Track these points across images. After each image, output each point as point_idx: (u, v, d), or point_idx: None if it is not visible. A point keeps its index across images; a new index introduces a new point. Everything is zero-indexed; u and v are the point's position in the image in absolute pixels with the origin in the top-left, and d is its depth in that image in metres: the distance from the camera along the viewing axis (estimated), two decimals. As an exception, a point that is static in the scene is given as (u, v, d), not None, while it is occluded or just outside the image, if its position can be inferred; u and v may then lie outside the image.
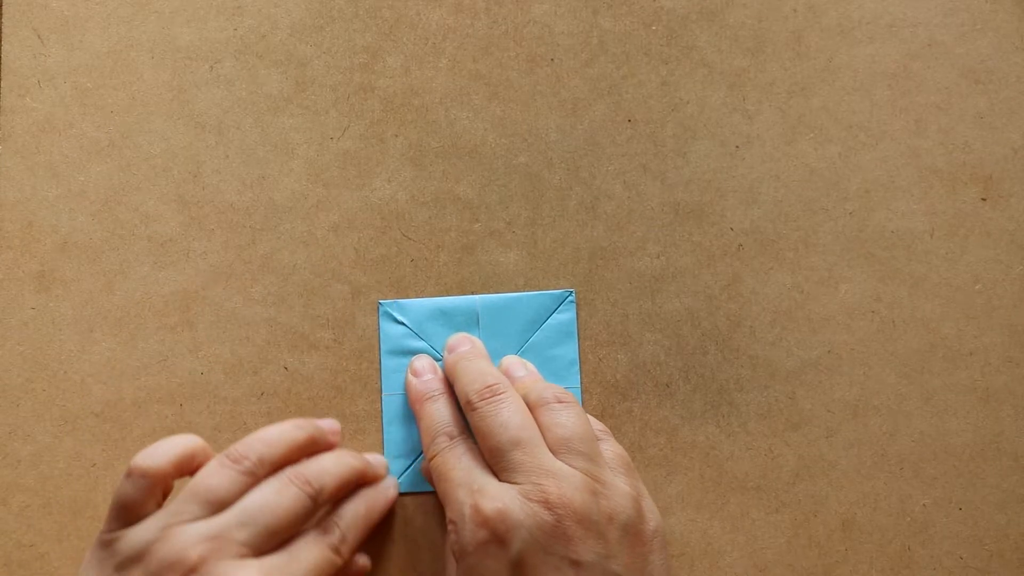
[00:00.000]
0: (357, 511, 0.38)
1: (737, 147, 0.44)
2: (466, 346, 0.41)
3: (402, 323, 0.42)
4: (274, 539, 0.35)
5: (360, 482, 0.39)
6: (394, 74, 0.44)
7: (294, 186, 0.43)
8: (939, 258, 0.43)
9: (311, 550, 0.36)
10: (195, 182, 0.43)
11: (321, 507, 0.37)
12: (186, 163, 0.43)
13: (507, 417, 0.36)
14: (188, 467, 0.36)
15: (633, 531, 0.35)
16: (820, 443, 0.42)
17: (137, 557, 0.34)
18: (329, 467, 0.37)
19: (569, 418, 0.37)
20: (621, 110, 0.44)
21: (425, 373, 0.41)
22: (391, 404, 0.41)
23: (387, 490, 0.40)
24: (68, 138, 0.43)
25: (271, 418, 0.42)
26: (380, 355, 0.42)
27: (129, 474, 0.35)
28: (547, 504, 0.34)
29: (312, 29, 0.44)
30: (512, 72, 0.44)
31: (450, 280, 0.43)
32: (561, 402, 0.37)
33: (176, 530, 0.34)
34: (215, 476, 0.35)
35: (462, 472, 0.36)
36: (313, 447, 0.38)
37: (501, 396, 0.37)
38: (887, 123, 0.44)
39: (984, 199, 0.43)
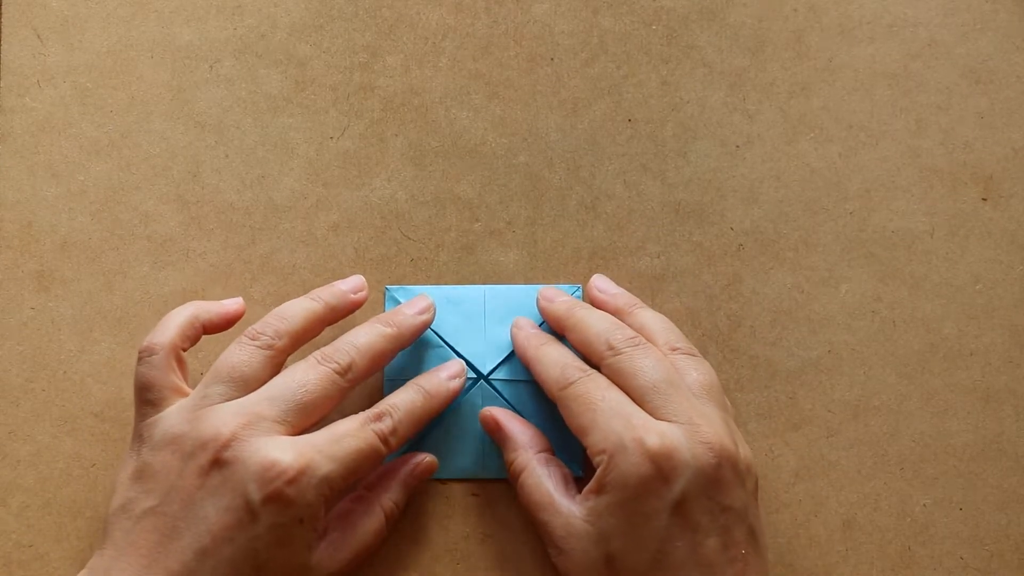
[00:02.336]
0: (414, 402, 0.37)
1: (737, 147, 0.44)
2: (564, 297, 0.40)
3: None
4: (308, 417, 0.35)
5: (403, 345, 0.38)
6: (394, 74, 0.44)
7: (294, 186, 0.43)
8: (939, 258, 0.43)
9: (356, 434, 0.35)
10: (195, 182, 0.43)
11: (355, 382, 0.36)
12: (186, 163, 0.43)
13: (655, 360, 0.36)
14: (193, 332, 0.37)
15: (756, 485, 0.36)
16: (820, 443, 0.42)
17: (172, 441, 0.34)
18: (360, 340, 0.37)
19: (704, 366, 0.37)
20: (621, 110, 0.44)
21: (530, 327, 0.40)
22: (393, 389, 0.41)
23: (450, 380, 0.39)
24: (68, 138, 0.43)
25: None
26: None
27: (139, 358, 0.36)
28: (709, 446, 0.34)
29: (312, 29, 0.44)
30: (512, 72, 0.44)
31: (450, 280, 0.43)
32: (692, 355, 0.38)
33: (206, 411, 0.34)
34: (235, 354, 0.36)
35: (614, 402, 0.35)
36: (334, 315, 0.38)
37: (644, 343, 0.37)
38: (887, 123, 0.44)
39: (985, 199, 0.43)
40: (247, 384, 0.35)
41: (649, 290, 0.43)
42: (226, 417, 0.34)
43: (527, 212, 0.43)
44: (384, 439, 0.36)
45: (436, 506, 0.41)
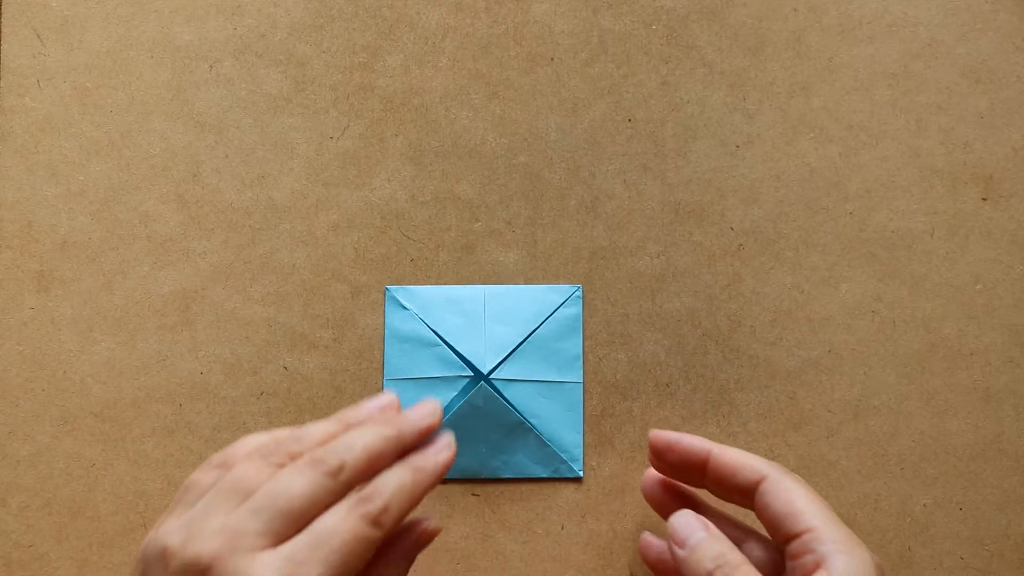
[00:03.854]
0: (402, 479, 0.34)
1: (737, 147, 0.44)
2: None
3: (408, 309, 0.42)
4: (295, 524, 0.33)
5: (401, 450, 0.35)
6: (394, 74, 0.44)
7: (294, 185, 0.43)
8: (939, 258, 0.43)
9: (341, 528, 0.33)
10: (195, 182, 0.43)
11: (348, 486, 0.34)
12: (186, 163, 0.43)
13: None
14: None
15: None
16: (820, 443, 0.42)
17: (162, 554, 0.32)
18: (354, 441, 0.34)
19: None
20: (621, 110, 0.44)
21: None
22: (392, 389, 0.41)
23: (438, 453, 0.35)
24: (68, 138, 0.43)
25: (270, 418, 0.42)
26: (384, 340, 0.42)
27: (202, 467, 0.35)
28: None
29: (312, 28, 0.44)
30: (512, 72, 0.44)
31: (450, 280, 0.43)
32: None
33: (196, 524, 0.33)
34: (249, 467, 0.34)
35: None
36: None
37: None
38: (887, 123, 0.44)
39: (984, 199, 0.43)
40: (247, 496, 0.34)
41: (649, 290, 0.43)
42: (209, 536, 0.32)
43: (527, 212, 0.43)
44: (375, 521, 0.33)
45: (436, 506, 0.41)
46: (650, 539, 0.39)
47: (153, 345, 0.42)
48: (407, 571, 0.36)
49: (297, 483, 0.33)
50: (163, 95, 0.44)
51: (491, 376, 0.41)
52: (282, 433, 0.36)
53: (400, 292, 0.42)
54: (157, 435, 0.42)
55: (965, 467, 0.42)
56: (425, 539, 0.36)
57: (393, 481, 0.34)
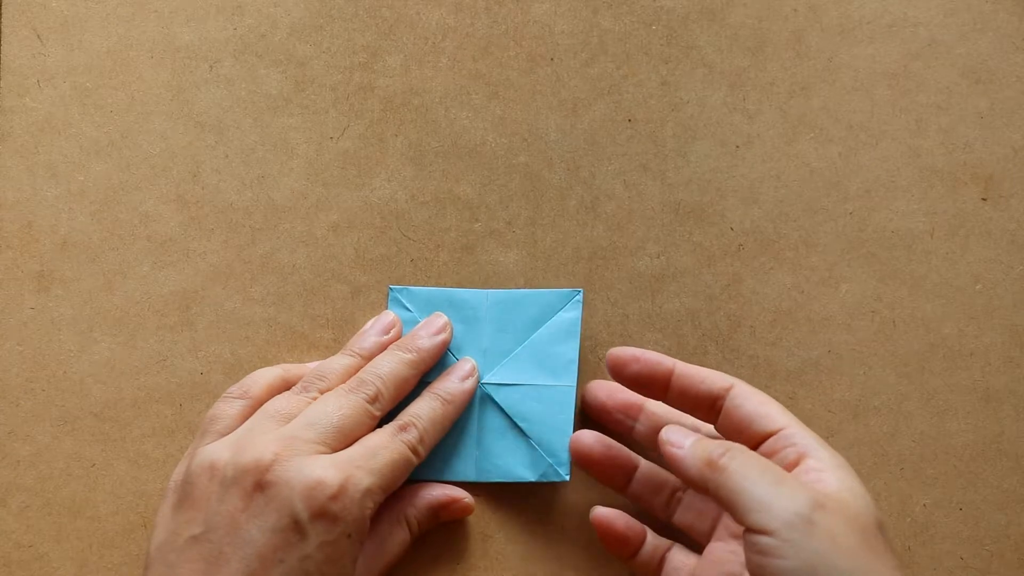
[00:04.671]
0: (434, 409, 0.39)
1: (737, 147, 0.44)
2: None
3: (410, 311, 0.42)
4: (345, 440, 0.36)
5: (425, 368, 0.40)
6: (394, 74, 0.44)
7: (294, 186, 0.43)
8: (939, 258, 0.43)
9: (389, 446, 0.36)
10: (195, 182, 0.43)
11: (384, 412, 0.38)
12: (186, 163, 0.43)
13: None
14: (278, 391, 0.39)
15: None
16: (820, 443, 0.42)
17: (211, 467, 0.35)
18: (383, 370, 0.38)
19: None
20: (621, 110, 0.44)
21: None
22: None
23: (463, 382, 0.40)
24: (68, 138, 0.43)
25: (271, 418, 0.42)
26: None
27: (224, 397, 0.38)
28: None
29: (312, 29, 0.44)
30: (512, 72, 0.44)
31: (450, 280, 0.43)
32: None
33: (247, 439, 0.35)
34: (283, 399, 0.38)
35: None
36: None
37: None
38: (887, 123, 0.44)
39: (985, 199, 0.43)
40: (289, 420, 0.37)
41: (649, 290, 0.43)
42: (267, 443, 0.35)
43: (527, 212, 0.43)
44: (413, 449, 0.37)
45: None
46: (603, 512, 0.39)
47: (153, 345, 0.42)
48: (428, 526, 0.40)
49: (344, 405, 0.37)
50: (163, 95, 0.44)
51: (485, 381, 0.41)
52: (293, 368, 0.41)
53: (403, 293, 0.42)
54: (157, 435, 0.42)
55: (965, 467, 0.42)
56: (458, 509, 0.40)
57: (426, 412, 0.38)
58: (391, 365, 0.39)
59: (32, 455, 0.41)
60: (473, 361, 0.41)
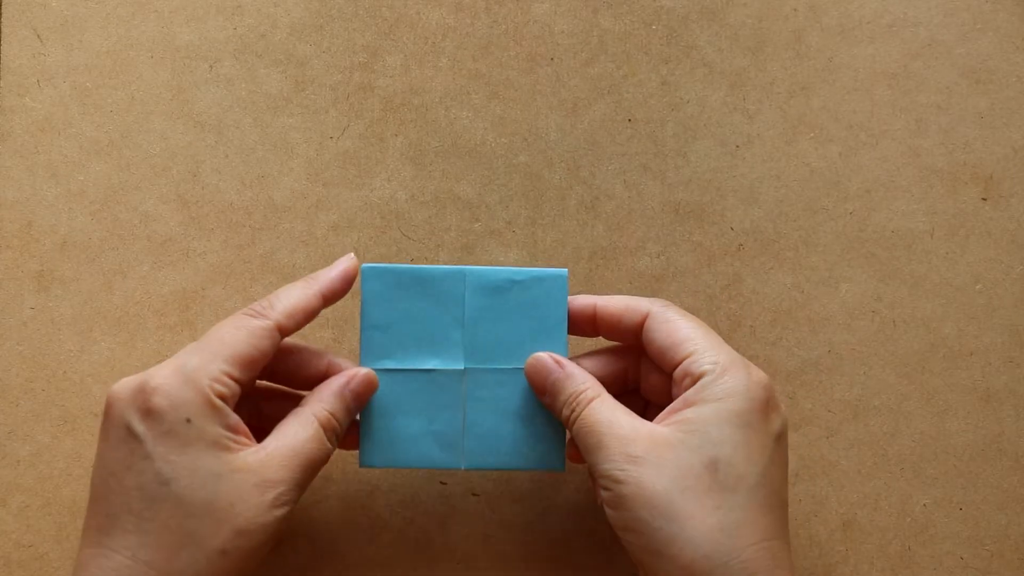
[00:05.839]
0: (292, 286, 0.37)
1: (737, 147, 0.44)
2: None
3: (386, 291, 0.40)
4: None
5: (324, 290, 0.38)
6: (394, 74, 0.44)
7: (294, 185, 0.43)
8: (939, 258, 0.43)
9: (227, 323, 0.36)
10: (194, 182, 0.43)
11: (270, 316, 0.36)
12: (185, 163, 0.43)
13: None
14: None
15: None
16: (820, 443, 0.42)
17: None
18: (278, 291, 0.37)
19: None
20: (621, 110, 0.44)
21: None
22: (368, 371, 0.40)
23: (332, 269, 0.38)
24: (68, 138, 0.43)
25: (271, 418, 0.42)
26: (361, 326, 0.40)
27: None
28: (781, 406, 0.36)
29: (312, 28, 0.44)
30: (512, 72, 0.44)
31: (450, 280, 0.43)
32: None
33: None
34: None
35: (716, 334, 0.37)
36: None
37: None
38: (887, 123, 0.44)
39: (984, 199, 0.43)
40: None
41: (649, 290, 0.43)
42: (116, 384, 0.35)
43: (527, 212, 0.43)
44: (258, 313, 0.36)
45: (436, 506, 0.41)
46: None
47: (153, 345, 0.42)
48: (344, 416, 0.37)
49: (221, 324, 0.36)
50: (163, 95, 0.44)
51: (470, 365, 0.40)
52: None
53: (375, 271, 0.39)
54: (157, 435, 0.42)
55: (965, 467, 0.42)
56: (357, 383, 0.37)
57: (286, 287, 0.37)
58: (287, 287, 0.38)
59: (32, 455, 0.41)
60: (352, 254, 0.39)
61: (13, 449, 0.41)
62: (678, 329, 0.36)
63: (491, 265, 0.43)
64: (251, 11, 0.44)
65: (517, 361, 0.40)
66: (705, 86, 0.44)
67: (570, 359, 0.39)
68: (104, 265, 0.43)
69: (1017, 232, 0.43)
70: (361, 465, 0.40)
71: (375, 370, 0.39)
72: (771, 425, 0.34)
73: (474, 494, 0.41)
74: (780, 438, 0.34)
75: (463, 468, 0.40)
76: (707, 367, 0.35)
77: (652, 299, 0.38)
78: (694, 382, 0.35)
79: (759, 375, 0.35)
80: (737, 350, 0.42)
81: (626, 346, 0.39)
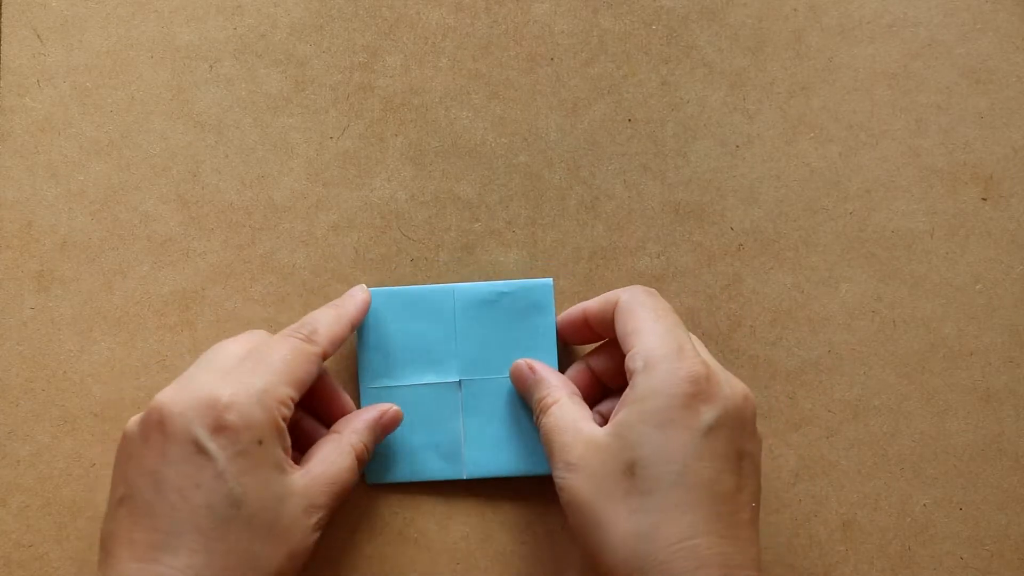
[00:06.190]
0: (324, 311, 0.39)
1: (737, 147, 0.44)
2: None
3: (381, 313, 0.41)
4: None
5: (348, 315, 0.39)
6: (394, 74, 0.44)
7: (294, 186, 0.43)
8: (939, 258, 0.43)
9: (279, 344, 0.36)
10: (194, 182, 0.43)
11: (312, 338, 0.37)
12: (185, 163, 0.43)
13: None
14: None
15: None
16: (820, 443, 0.42)
17: (125, 433, 0.35)
18: (309, 315, 0.39)
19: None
20: (621, 110, 0.44)
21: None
22: (371, 399, 0.41)
23: (353, 296, 0.40)
24: (67, 138, 0.43)
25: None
26: (358, 346, 0.41)
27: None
28: (743, 389, 0.35)
29: (311, 28, 0.44)
30: (512, 72, 0.44)
31: (450, 280, 0.43)
32: None
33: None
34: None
35: (670, 321, 0.37)
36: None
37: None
38: (887, 123, 0.44)
39: (984, 199, 0.43)
40: None
41: (649, 290, 0.43)
42: (163, 393, 0.34)
43: (527, 212, 0.43)
44: (307, 338, 0.36)
45: (436, 506, 0.41)
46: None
47: (153, 345, 0.42)
48: (372, 445, 0.38)
49: (247, 338, 0.37)
50: (163, 95, 0.44)
51: (465, 377, 0.41)
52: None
53: (372, 295, 0.41)
54: (157, 435, 0.42)
55: (965, 467, 0.42)
56: (388, 419, 0.39)
57: (317, 312, 0.38)
58: (321, 314, 0.39)
59: (32, 455, 0.41)
60: (364, 285, 0.41)
61: (13, 449, 0.41)
62: (631, 319, 0.36)
63: (491, 266, 0.43)
64: (251, 11, 0.44)
65: (506, 370, 0.41)
66: (705, 86, 0.44)
67: (584, 355, 0.40)
68: (104, 265, 0.43)
69: (1017, 232, 0.43)
70: (367, 483, 0.41)
71: (375, 388, 0.41)
72: (697, 419, 0.33)
73: (474, 494, 0.41)
74: (711, 431, 0.33)
75: (464, 478, 0.41)
76: (638, 364, 0.34)
77: (629, 287, 0.38)
78: (631, 379, 0.34)
79: (690, 367, 0.33)
80: (737, 350, 0.42)
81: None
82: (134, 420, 0.35)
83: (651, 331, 0.35)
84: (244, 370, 0.34)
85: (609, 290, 0.42)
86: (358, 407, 0.40)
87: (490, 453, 0.41)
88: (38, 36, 0.44)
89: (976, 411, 0.42)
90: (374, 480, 0.41)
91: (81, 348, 0.42)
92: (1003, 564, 0.41)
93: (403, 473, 0.41)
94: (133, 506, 0.33)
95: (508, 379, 0.41)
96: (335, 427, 0.38)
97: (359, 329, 0.41)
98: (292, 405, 0.34)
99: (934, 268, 0.43)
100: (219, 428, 0.32)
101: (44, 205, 0.43)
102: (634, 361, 0.34)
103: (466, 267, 0.43)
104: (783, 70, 0.44)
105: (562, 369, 0.41)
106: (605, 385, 0.40)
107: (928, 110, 0.44)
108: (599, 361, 0.40)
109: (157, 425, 0.33)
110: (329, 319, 0.38)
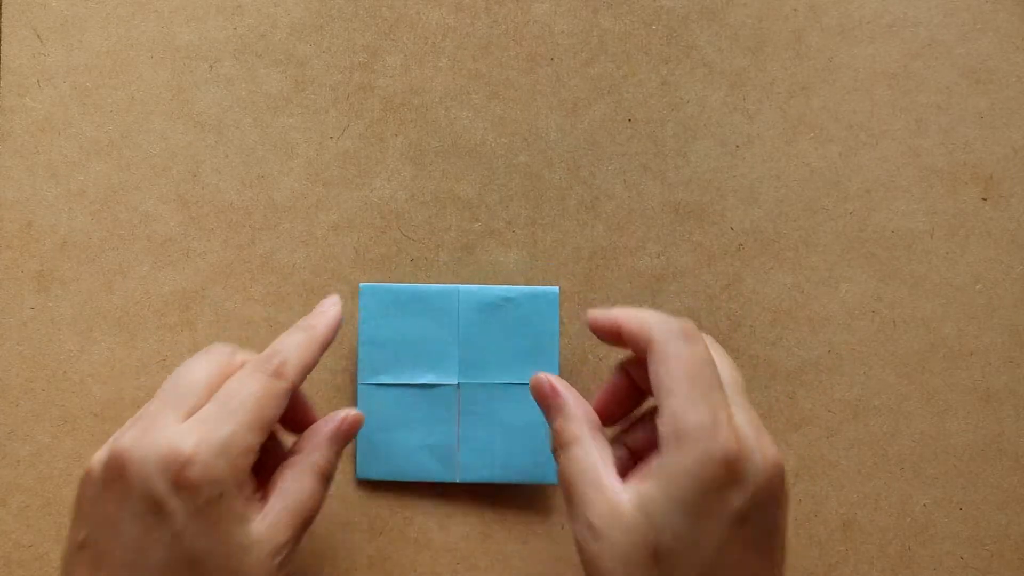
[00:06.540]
0: (295, 335, 0.36)
1: (737, 147, 0.44)
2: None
3: (382, 309, 0.41)
4: (202, 400, 0.34)
5: (317, 334, 0.36)
6: (394, 74, 0.44)
7: (294, 186, 0.43)
8: (939, 258, 0.43)
9: (244, 383, 0.34)
10: (194, 181, 0.43)
11: (276, 368, 0.35)
12: (185, 163, 0.43)
13: (720, 354, 0.36)
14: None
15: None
16: (820, 443, 0.42)
17: (87, 471, 0.34)
18: (278, 341, 0.36)
19: (731, 362, 0.36)
20: (621, 110, 0.44)
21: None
22: (367, 395, 0.41)
23: (324, 313, 0.37)
24: (67, 138, 0.43)
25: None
26: (358, 343, 0.41)
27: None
28: (774, 460, 0.32)
29: (311, 28, 0.44)
30: (512, 72, 0.44)
31: (450, 280, 0.43)
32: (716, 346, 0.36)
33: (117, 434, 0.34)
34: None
35: (710, 376, 0.33)
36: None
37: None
38: (887, 123, 0.44)
39: (984, 199, 0.43)
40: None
41: (649, 290, 0.43)
42: (126, 428, 0.33)
43: (527, 212, 0.43)
44: (276, 373, 0.34)
45: (436, 506, 0.41)
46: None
47: (153, 345, 0.42)
48: (336, 459, 0.36)
49: (199, 364, 0.35)
50: (163, 95, 0.44)
51: (464, 380, 0.41)
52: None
53: (372, 290, 0.41)
54: (157, 435, 0.42)
55: (965, 467, 0.42)
56: (348, 426, 0.36)
57: (285, 339, 0.35)
58: (290, 338, 0.36)
59: (32, 455, 0.41)
60: (337, 296, 0.37)
61: (13, 449, 0.41)
62: (664, 374, 0.32)
63: (491, 266, 0.43)
64: (251, 11, 0.44)
65: (510, 376, 0.41)
66: (705, 86, 0.44)
67: (618, 365, 0.37)
68: (104, 265, 0.43)
69: (1017, 232, 0.43)
70: (357, 477, 0.41)
71: (372, 385, 0.41)
72: (728, 505, 0.30)
73: (474, 494, 0.41)
74: (742, 517, 0.30)
75: (457, 482, 0.41)
76: (668, 430, 0.31)
77: (665, 325, 0.33)
78: (660, 443, 0.32)
79: (723, 446, 0.31)
80: (737, 350, 0.42)
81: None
82: (98, 459, 0.33)
83: (685, 395, 0.32)
84: (209, 415, 0.33)
85: (610, 290, 0.42)
86: (354, 402, 0.40)
87: (484, 459, 0.41)
88: (38, 36, 0.44)
89: (976, 411, 0.42)
90: (365, 476, 0.41)
91: (81, 348, 0.42)
92: (1003, 564, 0.41)
93: (395, 472, 0.41)
94: (94, 553, 0.32)
95: (507, 386, 0.41)
96: (295, 446, 0.36)
97: (359, 324, 0.41)
98: (257, 450, 0.33)
99: (934, 268, 0.43)
100: (179, 484, 0.31)
101: (44, 205, 0.43)
102: (664, 426, 0.32)
103: (466, 267, 0.43)
104: (783, 70, 0.44)
105: (562, 374, 0.41)
106: (643, 393, 0.37)
107: (928, 110, 0.44)
108: (639, 373, 0.36)
109: (118, 471, 0.32)
110: (300, 347, 0.35)
